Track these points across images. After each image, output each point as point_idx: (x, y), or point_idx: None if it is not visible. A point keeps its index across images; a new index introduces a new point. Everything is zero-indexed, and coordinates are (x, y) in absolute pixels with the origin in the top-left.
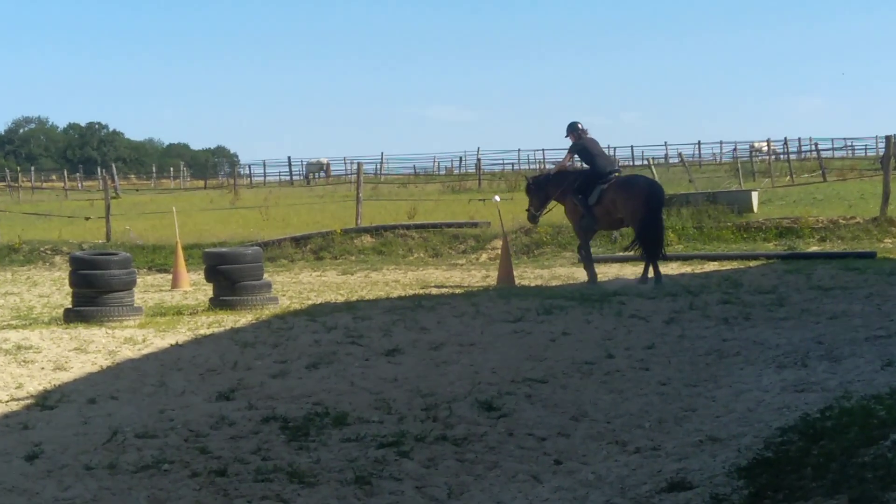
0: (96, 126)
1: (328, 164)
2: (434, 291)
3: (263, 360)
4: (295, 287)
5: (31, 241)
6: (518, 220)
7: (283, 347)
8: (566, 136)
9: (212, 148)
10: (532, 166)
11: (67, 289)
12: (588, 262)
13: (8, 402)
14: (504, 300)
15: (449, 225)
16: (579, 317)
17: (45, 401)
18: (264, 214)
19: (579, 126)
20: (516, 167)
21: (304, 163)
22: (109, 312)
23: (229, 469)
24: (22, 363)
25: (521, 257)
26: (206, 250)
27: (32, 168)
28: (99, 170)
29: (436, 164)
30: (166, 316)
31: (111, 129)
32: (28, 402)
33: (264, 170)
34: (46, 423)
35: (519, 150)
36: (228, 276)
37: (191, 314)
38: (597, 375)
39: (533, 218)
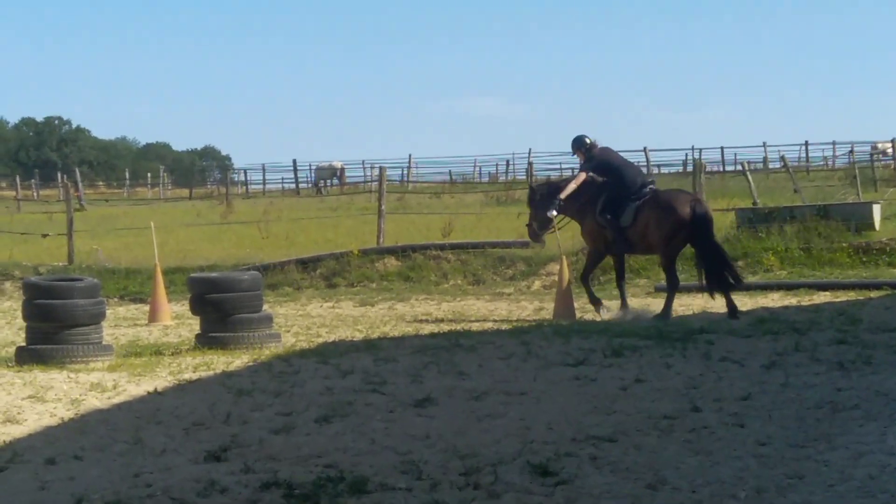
0: (56, 122)
1: (342, 170)
2: (475, 327)
3: (263, 412)
4: (302, 321)
5: None
6: (579, 240)
7: (288, 396)
8: (573, 155)
9: (198, 149)
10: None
11: (20, 322)
12: (591, 291)
13: None
14: (562, 339)
15: (493, 245)
16: (656, 360)
17: None
18: (264, 231)
19: (587, 140)
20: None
21: (313, 168)
22: (72, 352)
23: None
24: None
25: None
26: (192, 276)
27: None
28: (59, 175)
29: (477, 168)
30: (143, 356)
31: (74, 126)
32: None
33: (263, 176)
34: None
35: None
36: (220, 308)
37: (173, 354)
38: (679, 433)
39: (535, 235)
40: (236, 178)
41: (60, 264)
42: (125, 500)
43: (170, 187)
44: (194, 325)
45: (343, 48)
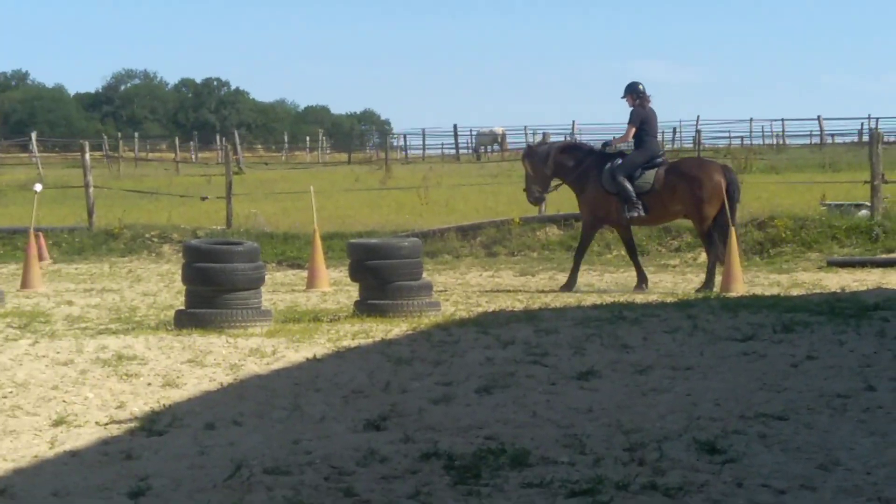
0: (214, 83)
1: (504, 135)
2: (638, 299)
3: (422, 382)
4: (461, 289)
5: (134, 225)
6: (749, 211)
7: (447, 366)
8: (623, 97)
9: (358, 113)
10: (767, 140)
11: (179, 286)
12: (577, 267)
13: (107, 424)
14: (730, 313)
15: None
16: (829, 336)
17: (153, 425)
18: (423, 197)
19: (640, 87)
20: (747, 141)
21: (474, 133)
22: (231, 316)
23: None
24: (124, 377)
25: (751, 258)
26: (352, 241)
27: (136, 134)
28: (218, 138)
29: None
30: (301, 322)
31: (233, 88)
32: (132, 425)
33: (423, 141)
34: (154, 453)
35: (751, 119)
36: (379, 275)
37: (331, 321)
38: (852, 412)
39: (536, 199)
40: (395, 143)
41: (219, 228)
42: (284, 466)
43: (328, 151)
44: (352, 291)
45: (505, 10)
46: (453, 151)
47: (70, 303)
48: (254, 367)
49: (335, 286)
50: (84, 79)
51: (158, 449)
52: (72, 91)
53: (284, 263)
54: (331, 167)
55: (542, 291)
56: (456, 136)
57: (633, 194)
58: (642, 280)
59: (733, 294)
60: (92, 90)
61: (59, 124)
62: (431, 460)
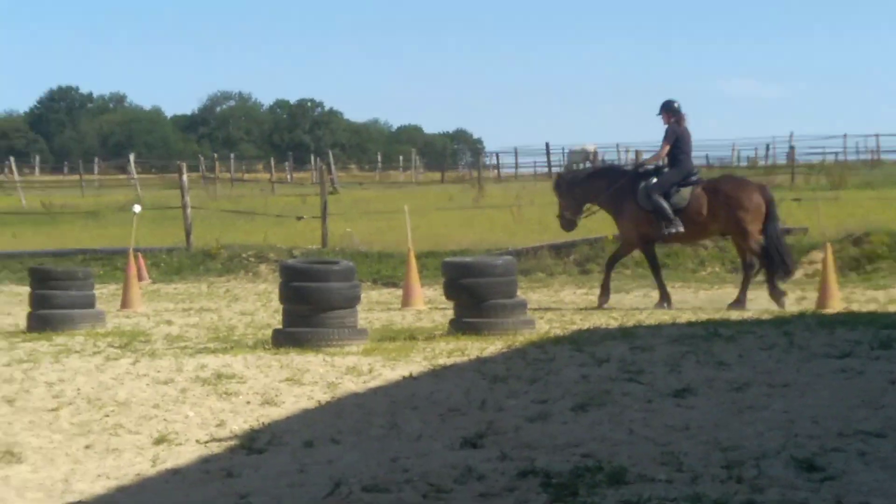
0: (309, 104)
1: (595, 153)
2: (734, 316)
3: (518, 399)
4: (555, 307)
5: (231, 245)
6: (844, 227)
7: (543, 383)
8: (658, 115)
9: (450, 132)
10: (861, 155)
11: (276, 305)
12: (608, 280)
13: (207, 442)
14: (826, 329)
15: None
16: None
17: (253, 442)
18: (516, 216)
19: (675, 105)
20: (841, 157)
21: (566, 150)
22: (328, 335)
23: None
24: (223, 396)
25: (847, 274)
26: (446, 260)
27: (232, 155)
28: (312, 158)
29: (735, 152)
30: (397, 341)
31: (327, 109)
32: (232, 443)
33: (516, 159)
34: (254, 470)
35: (845, 135)
36: (473, 293)
37: (426, 339)
38: None
39: (569, 224)
40: (488, 162)
41: (314, 247)
42: (382, 484)
43: (421, 171)
44: (447, 309)
45: (596, 29)
46: (546, 169)
47: (169, 322)
48: (351, 385)
49: (430, 304)
50: (181, 101)
51: (258, 467)
52: (169, 113)
53: (379, 282)
54: (424, 186)
55: (637, 308)
56: (548, 153)
57: (670, 211)
58: (664, 299)
59: (829, 311)
60: (188, 112)
61: (156, 146)
62: (528, 478)
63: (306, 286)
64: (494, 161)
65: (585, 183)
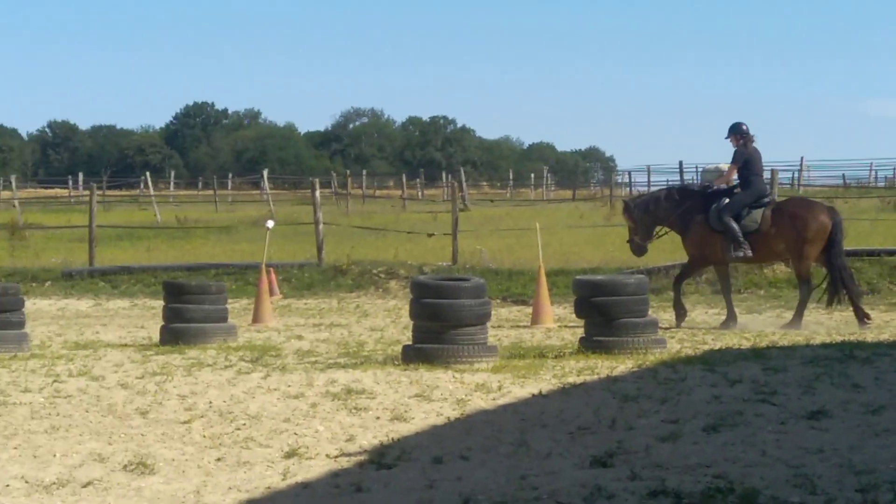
0: (441, 121)
1: None
2: (869, 338)
3: (649, 419)
4: (685, 327)
5: (362, 261)
6: None
7: (674, 403)
8: (726, 138)
9: (582, 150)
10: None
11: (405, 321)
12: (679, 298)
13: (337, 457)
14: None
15: (890, 252)
16: None
17: (382, 458)
18: None
19: (744, 127)
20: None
21: (700, 169)
22: (458, 352)
23: None
24: (353, 411)
25: None
26: (578, 278)
27: (364, 172)
28: (444, 175)
29: (872, 172)
30: (526, 358)
31: (459, 126)
32: (361, 458)
33: (648, 177)
34: (383, 486)
35: None
36: (604, 311)
37: (556, 357)
38: None
39: (639, 249)
40: (620, 180)
41: (444, 264)
42: (511, 502)
43: (553, 188)
44: (577, 327)
45: (731, 49)
46: None
47: (300, 337)
48: (480, 402)
49: (559, 322)
50: (314, 118)
51: (387, 482)
52: (302, 130)
53: (509, 299)
54: (555, 204)
55: (770, 331)
56: (681, 172)
57: (740, 234)
58: (731, 318)
59: None
60: (322, 129)
61: (289, 162)
62: (659, 498)
63: (437, 303)
64: (626, 179)
65: (655, 206)
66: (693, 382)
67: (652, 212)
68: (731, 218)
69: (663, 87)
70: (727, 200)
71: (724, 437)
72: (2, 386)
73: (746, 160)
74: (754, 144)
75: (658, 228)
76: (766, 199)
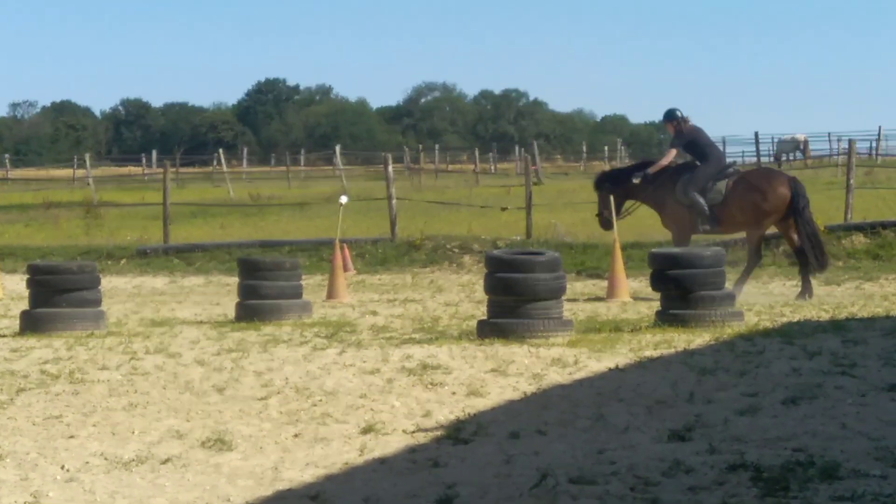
0: (513, 95)
1: (806, 142)
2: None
3: (727, 392)
4: (764, 299)
5: (435, 236)
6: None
7: (752, 376)
8: (664, 124)
9: (656, 122)
10: None
11: (480, 296)
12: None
13: (414, 432)
14: None
15: None
16: None
17: (458, 433)
18: None
19: (678, 114)
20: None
21: (776, 140)
22: (533, 326)
23: None
24: (429, 386)
25: None
26: (654, 251)
27: (436, 146)
28: (517, 149)
29: None
30: (602, 332)
31: (532, 99)
32: (438, 433)
33: (723, 148)
34: (461, 461)
35: None
36: (681, 284)
37: (632, 331)
38: None
39: (607, 223)
40: None
41: (518, 238)
42: (589, 476)
43: (627, 160)
44: (653, 301)
45: (805, 18)
46: (754, 159)
47: (374, 313)
48: (556, 376)
49: (634, 296)
50: (386, 92)
51: (464, 457)
52: (374, 105)
53: (584, 273)
54: None
55: (850, 302)
56: (757, 143)
57: (706, 208)
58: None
59: None
60: (393, 103)
61: (361, 137)
62: (738, 472)
63: (512, 277)
64: None
65: (629, 181)
66: (771, 355)
67: (624, 187)
68: (696, 192)
69: (736, 56)
70: (689, 175)
71: (803, 410)
72: (80, 364)
73: (689, 141)
74: (691, 124)
75: (629, 204)
76: (730, 171)
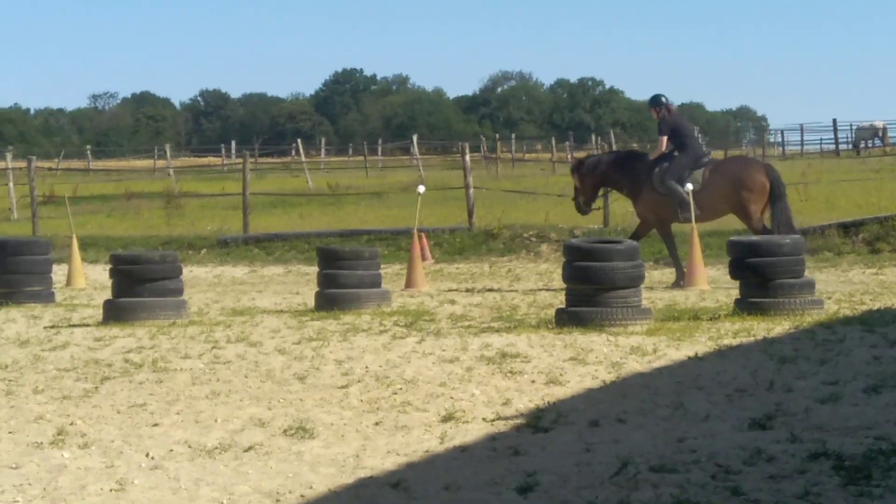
0: (589, 83)
1: (884, 129)
2: None
3: (807, 381)
4: (843, 287)
5: (513, 225)
6: None
7: (833, 365)
8: (650, 110)
9: (733, 109)
10: None
11: (558, 284)
12: (678, 262)
13: (494, 421)
14: None
15: None
16: None
17: (538, 421)
18: (802, 194)
19: (663, 100)
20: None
21: (854, 127)
22: (611, 315)
23: None
24: (508, 374)
25: None
26: (732, 239)
27: (512, 136)
28: (593, 137)
29: None
30: (680, 321)
31: (608, 87)
32: (518, 421)
33: (801, 136)
34: (541, 449)
35: None
36: (760, 273)
37: (711, 319)
38: None
39: (582, 209)
40: (772, 139)
41: (596, 227)
42: (670, 464)
43: (705, 147)
44: (731, 289)
45: (884, 3)
46: (832, 146)
47: (453, 302)
48: (635, 364)
49: (713, 284)
50: (462, 82)
51: (544, 445)
52: (450, 94)
53: (661, 262)
54: None
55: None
56: (836, 130)
57: (685, 196)
58: (681, 277)
59: None
60: (469, 93)
61: (438, 127)
62: (820, 460)
63: (590, 266)
64: (779, 139)
65: (605, 169)
66: (852, 343)
67: (601, 174)
68: (673, 181)
69: (816, 43)
70: (667, 164)
71: (885, 399)
72: (163, 352)
73: (674, 127)
74: (675, 111)
75: (602, 190)
76: (706, 160)
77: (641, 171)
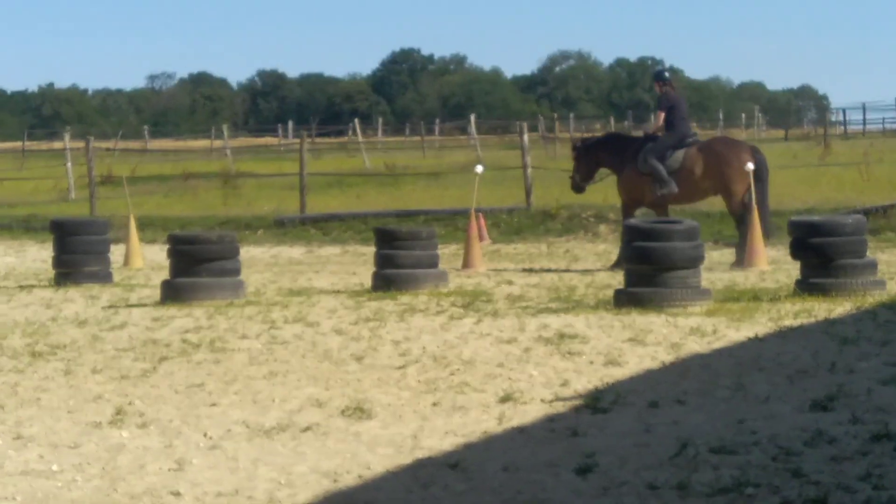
0: (649, 62)
1: None
2: None
3: (869, 362)
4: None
5: (571, 205)
6: None
7: (895, 346)
8: (653, 85)
9: (794, 88)
10: None
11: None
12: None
13: (552, 402)
14: None
15: None
16: None
17: (597, 402)
18: (864, 173)
19: (666, 75)
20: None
21: None
22: (670, 295)
23: (830, 498)
24: (566, 355)
25: None
26: (793, 219)
27: (571, 115)
28: (652, 117)
29: None
30: (740, 301)
31: (668, 66)
32: (576, 402)
33: (863, 116)
34: (599, 430)
35: None
36: (822, 253)
37: (771, 300)
38: None
39: (577, 187)
40: (834, 119)
41: None
42: (730, 446)
43: (764, 128)
44: (791, 269)
45: None
46: (895, 126)
47: (510, 282)
48: (695, 345)
49: (773, 264)
50: (520, 61)
51: (603, 426)
52: (508, 74)
53: (721, 242)
54: (767, 144)
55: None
56: None
57: (664, 172)
58: (618, 264)
59: None
60: (527, 72)
61: (496, 107)
62: (882, 442)
63: (649, 246)
64: (841, 118)
65: (600, 149)
66: None
67: (596, 155)
68: (654, 159)
69: (879, 21)
70: (650, 144)
71: None
72: (220, 332)
73: (672, 105)
74: (676, 90)
75: (603, 171)
76: (690, 140)
77: (633, 152)
